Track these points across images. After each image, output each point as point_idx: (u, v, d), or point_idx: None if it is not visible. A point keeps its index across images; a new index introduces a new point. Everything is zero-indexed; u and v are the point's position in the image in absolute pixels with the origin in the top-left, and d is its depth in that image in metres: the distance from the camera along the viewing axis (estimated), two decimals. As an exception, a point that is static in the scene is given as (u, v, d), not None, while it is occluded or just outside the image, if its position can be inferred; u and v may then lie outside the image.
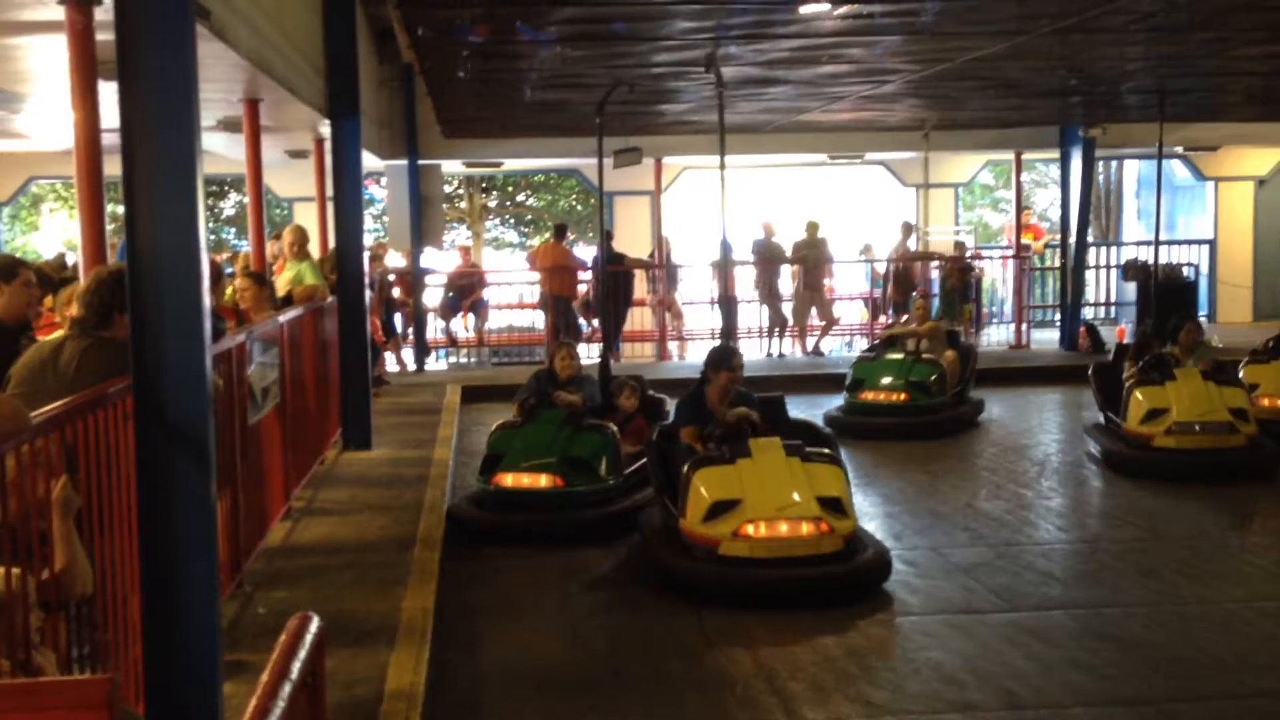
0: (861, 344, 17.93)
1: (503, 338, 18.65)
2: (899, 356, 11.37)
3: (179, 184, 3.88)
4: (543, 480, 7.52)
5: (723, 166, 9.20)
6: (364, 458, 9.13)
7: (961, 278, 16.60)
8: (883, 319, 17.46)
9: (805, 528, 6.10)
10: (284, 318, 7.59)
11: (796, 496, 6.19)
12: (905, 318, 13.47)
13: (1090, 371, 10.47)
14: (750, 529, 6.08)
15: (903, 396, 10.92)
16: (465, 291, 16.80)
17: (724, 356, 7.19)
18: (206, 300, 4.02)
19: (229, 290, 7.74)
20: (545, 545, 7.18)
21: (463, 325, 17.29)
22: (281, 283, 9.61)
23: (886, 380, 11.10)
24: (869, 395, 11.10)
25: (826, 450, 6.77)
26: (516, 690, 5.08)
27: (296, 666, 1.75)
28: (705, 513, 6.19)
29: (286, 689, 1.67)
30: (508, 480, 7.55)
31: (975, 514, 7.93)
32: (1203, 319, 16.90)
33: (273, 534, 6.68)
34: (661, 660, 5.41)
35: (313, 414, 8.40)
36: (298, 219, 16.64)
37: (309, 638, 1.87)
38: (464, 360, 16.80)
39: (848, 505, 6.37)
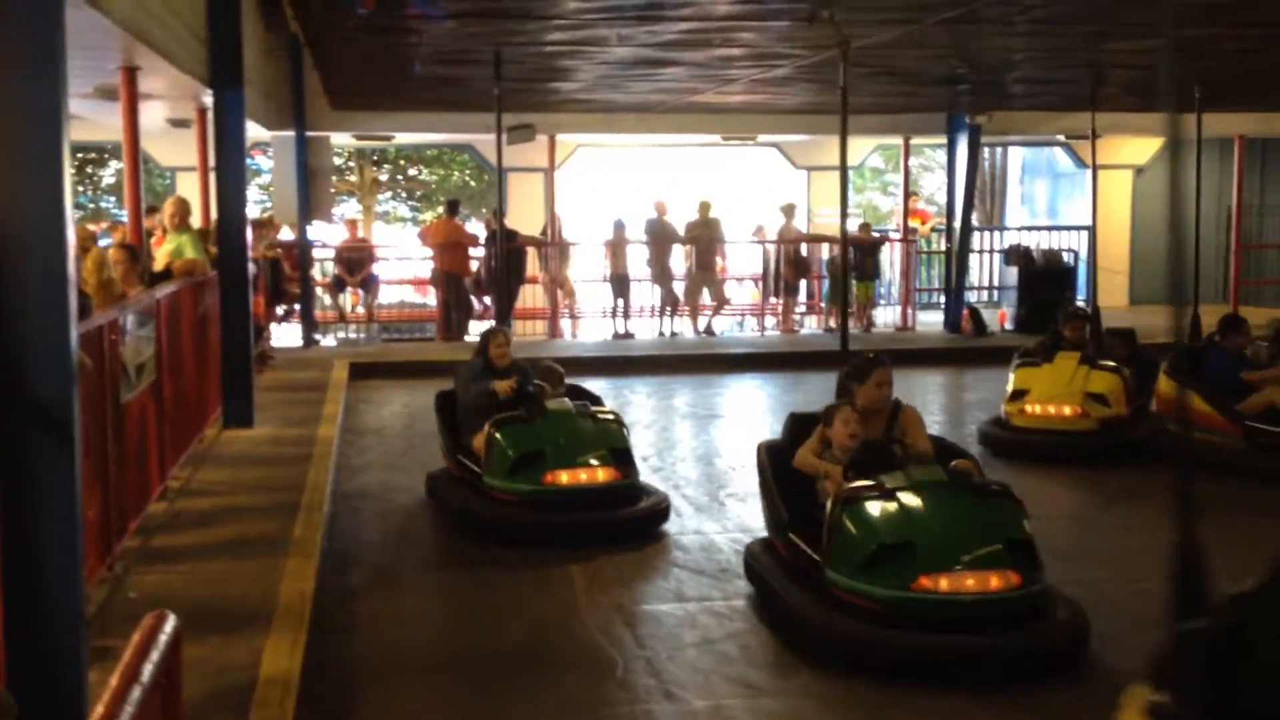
0: (752, 324, 18.13)
1: (393, 313, 18.43)
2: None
3: (44, 153, 3.75)
4: (601, 475, 7.07)
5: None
6: (245, 436, 8.96)
7: (869, 257, 16.85)
8: (773, 301, 17.67)
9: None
10: (161, 292, 7.40)
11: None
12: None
13: None
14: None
15: None
16: (354, 266, 16.54)
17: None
18: (73, 274, 3.90)
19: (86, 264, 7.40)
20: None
21: (351, 301, 17.04)
22: (161, 255, 9.37)
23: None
24: None
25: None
26: (396, 674, 5.03)
27: (149, 669, 1.69)
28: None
29: (136, 693, 1.62)
30: (563, 478, 6.98)
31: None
32: (1081, 302, 17.39)
33: (148, 515, 6.52)
34: (544, 641, 5.39)
35: (191, 391, 8.21)
36: (181, 189, 16.21)
37: (164, 637, 1.82)
38: (353, 336, 16.55)
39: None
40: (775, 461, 6.06)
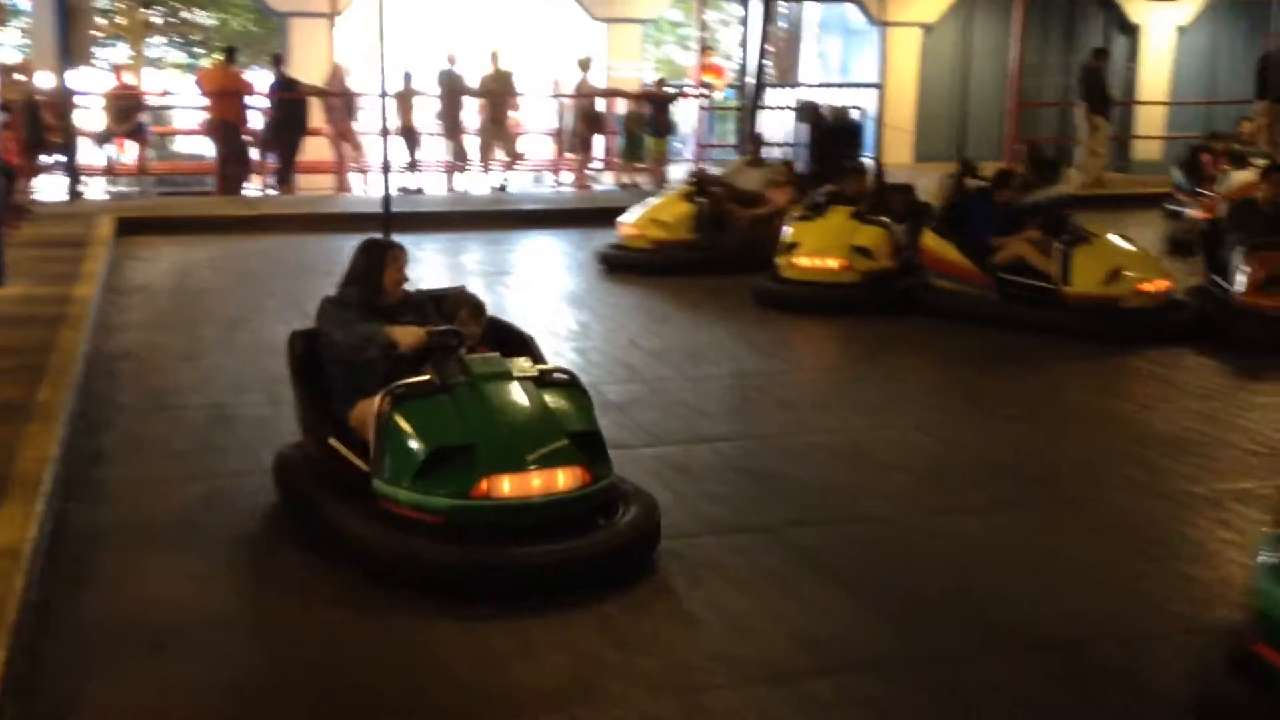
0: (547, 179, 17.90)
1: (168, 165, 17.57)
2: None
3: None
4: (562, 479, 4.49)
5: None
6: (-7, 296, 8.42)
7: (664, 113, 16.78)
8: (568, 156, 17.45)
9: None
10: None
11: None
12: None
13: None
14: None
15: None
16: (123, 115, 15.59)
17: None
18: None
19: None
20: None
21: (121, 151, 16.13)
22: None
23: None
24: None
25: None
26: (141, 543, 4.83)
27: None
28: None
29: None
30: (504, 486, 4.40)
31: (635, 351, 8.10)
32: (868, 159, 17.71)
33: (-126, 381, 6.07)
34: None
35: (-73, 248, 7.63)
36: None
37: None
38: (124, 189, 15.73)
39: None
40: None
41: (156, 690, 3.68)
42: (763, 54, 16.77)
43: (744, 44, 16.86)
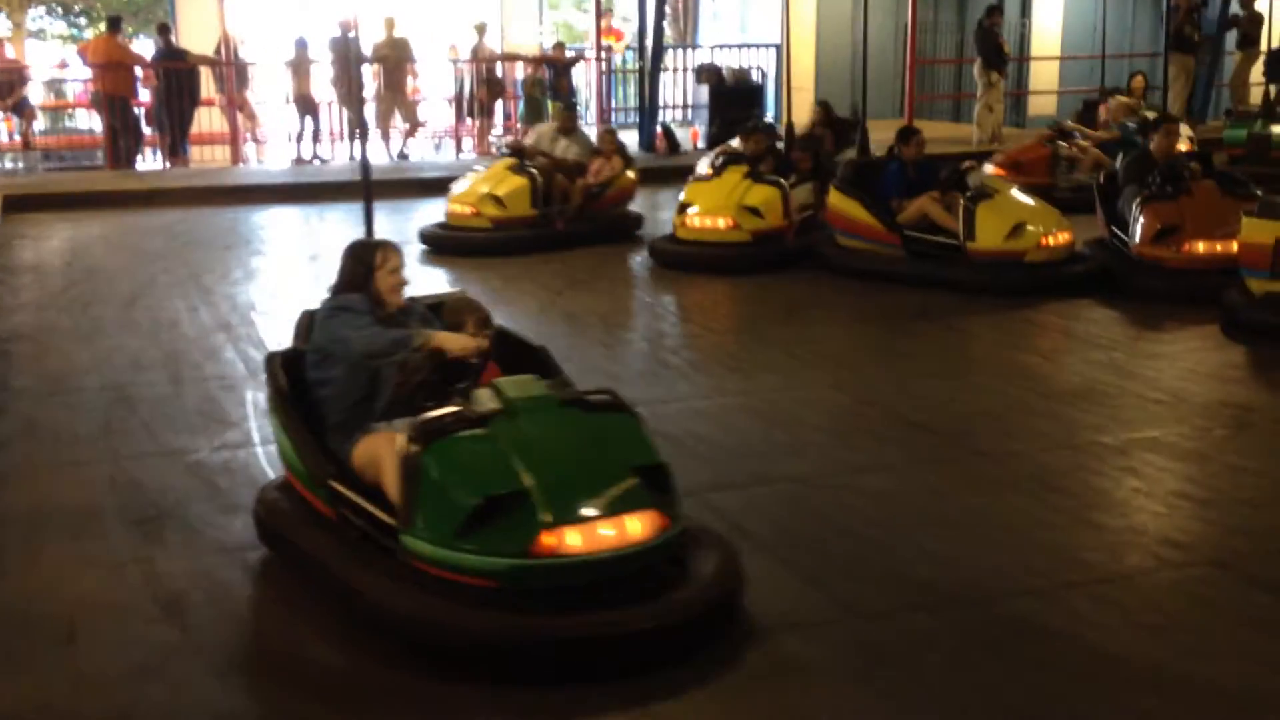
0: (450, 146, 17.67)
1: (55, 140, 17.01)
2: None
3: None
4: (636, 527, 3.67)
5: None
6: (-127, 280, 8.09)
7: (563, 76, 16.67)
8: (470, 122, 17.22)
9: None
10: None
11: None
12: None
13: None
14: None
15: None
16: (4, 89, 15.05)
17: None
18: None
19: None
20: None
21: (4, 128, 15.60)
22: None
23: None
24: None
25: None
26: (44, 529, 4.68)
27: None
28: None
29: None
30: (573, 540, 3.59)
31: (546, 317, 8.04)
32: (769, 119, 17.76)
33: None
34: (215, 496, 5.14)
35: None
36: None
37: None
38: (9, 166, 15.21)
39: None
40: None
41: (68, 682, 3.57)
42: (660, 15, 16.69)
43: (642, 6, 16.74)
